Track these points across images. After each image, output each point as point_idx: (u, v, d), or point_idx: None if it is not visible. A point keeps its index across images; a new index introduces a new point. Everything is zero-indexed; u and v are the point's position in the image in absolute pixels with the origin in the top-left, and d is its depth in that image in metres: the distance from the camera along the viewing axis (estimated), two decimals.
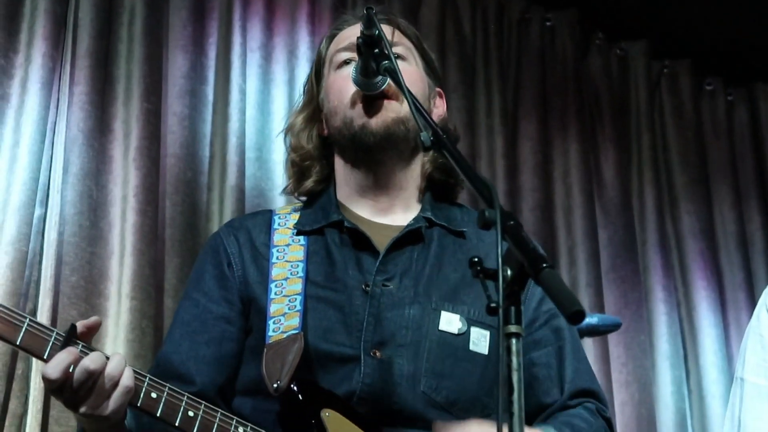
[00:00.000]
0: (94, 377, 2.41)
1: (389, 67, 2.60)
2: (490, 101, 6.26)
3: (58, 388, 2.42)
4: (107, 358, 2.45)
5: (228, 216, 4.87)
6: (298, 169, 3.06)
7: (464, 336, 2.74)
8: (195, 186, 5.05)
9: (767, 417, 2.92)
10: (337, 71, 2.97)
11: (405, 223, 2.89)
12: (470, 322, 2.75)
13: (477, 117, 6.17)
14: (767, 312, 3.02)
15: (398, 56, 2.93)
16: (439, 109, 3.10)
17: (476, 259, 2.04)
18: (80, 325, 2.49)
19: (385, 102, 2.84)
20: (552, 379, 2.83)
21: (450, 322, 2.74)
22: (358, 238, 2.85)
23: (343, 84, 2.90)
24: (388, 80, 2.73)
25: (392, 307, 2.74)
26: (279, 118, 5.27)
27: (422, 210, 2.94)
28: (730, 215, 6.91)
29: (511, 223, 2.05)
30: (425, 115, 2.43)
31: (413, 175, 2.99)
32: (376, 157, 2.90)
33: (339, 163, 3.01)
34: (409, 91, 2.46)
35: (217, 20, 5.39)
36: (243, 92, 5.31)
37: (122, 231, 4.74)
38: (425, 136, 2.35)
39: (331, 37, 3.09)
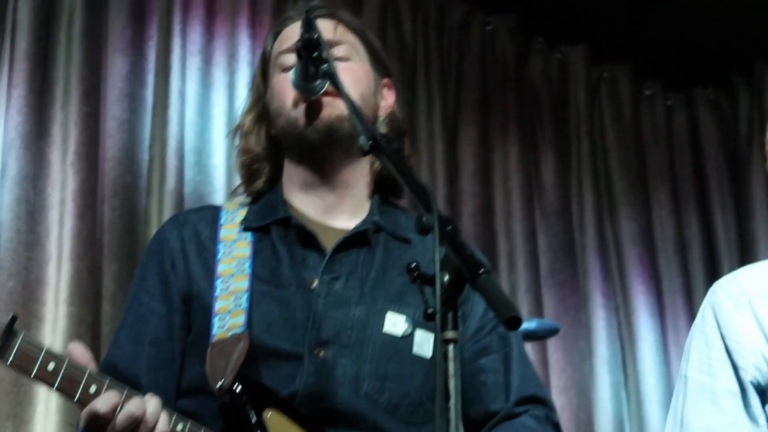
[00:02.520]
0: (136, 423, 2.42)
1: (328, 71, 2.60)
2: (430, 105, 6.26)
3: (98, 429, 2.44)
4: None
5: None
6: (247, 170, 3.03)
7: (408, 339, 2.72)
8: (134, 190, 5.01)
9: (709, 414, 2.93)
10: (281, 74, 2.95)
11: (351, 227, 2.87)
12: (416, 324, 2.74)
13: (417, 121, 6.16)
14: (712, 311, 3.04)
15: (340, 58, 2.93)
16: (387, 101, 3.06)
17: (413, 265, 2.04)
18: (79, 357, 2.50)
19: (328, 99, 2.81)
20: (499, 386, 2.82)
21: (395, 324, 2.73)
22: (304, 236, 2.83)
23: (285, 85, 2.87)
24: (328, 83, 2.72)
25: (338, 306, 2.72)
26: (219, 122, 5.26)
27: (370, 214, 2.92)
28: (669, 220, 6.93)
29: (449, 228, 2.05)
30: (364, 120, 2.44)
31: (362, 172, 2.96)
32: (321, 154, 2.88)
33: (286, 160, 2.98)
34: (348, 97, 2.47)
35: (157, 23, 5.35)
36: (182, 96, 5.28)
37: (60, 236, 4.69)
38: (363, 140, 2.35)
39: (275, 35, 3.05)
